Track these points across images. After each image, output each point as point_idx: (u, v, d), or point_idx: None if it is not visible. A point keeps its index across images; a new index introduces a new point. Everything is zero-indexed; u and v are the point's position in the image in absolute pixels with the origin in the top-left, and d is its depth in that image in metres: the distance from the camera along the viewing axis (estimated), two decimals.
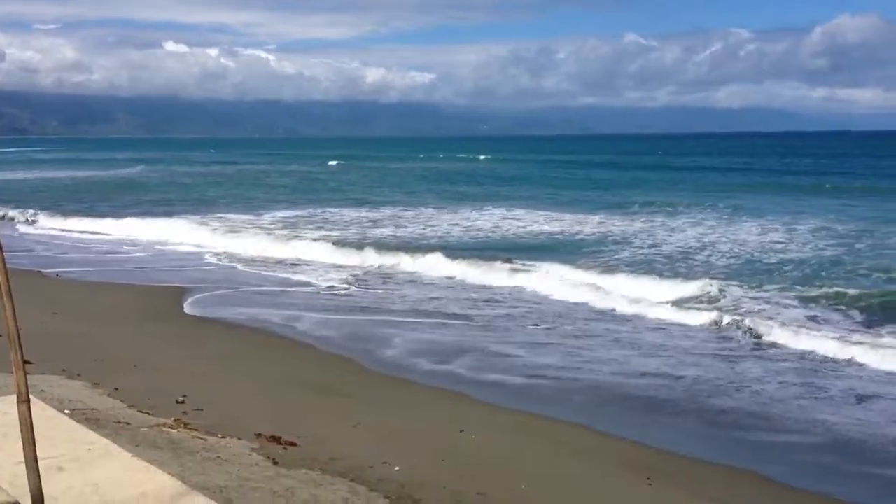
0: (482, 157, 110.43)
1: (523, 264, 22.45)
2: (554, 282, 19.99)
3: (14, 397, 3.90)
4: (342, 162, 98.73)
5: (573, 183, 60.46)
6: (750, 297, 17.91)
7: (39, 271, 20.97)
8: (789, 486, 8.86)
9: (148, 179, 67.53)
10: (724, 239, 28.09)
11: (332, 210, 39.95)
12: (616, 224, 33.38)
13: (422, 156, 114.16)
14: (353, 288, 20.02)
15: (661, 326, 16.11)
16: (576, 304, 18.14)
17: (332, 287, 19.98)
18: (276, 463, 8.20)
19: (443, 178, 67.92)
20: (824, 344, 13.98)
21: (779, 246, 26.13)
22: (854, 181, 57.44)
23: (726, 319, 15.83)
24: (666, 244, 27.36)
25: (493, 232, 31.56)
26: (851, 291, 17.98)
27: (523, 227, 33.12)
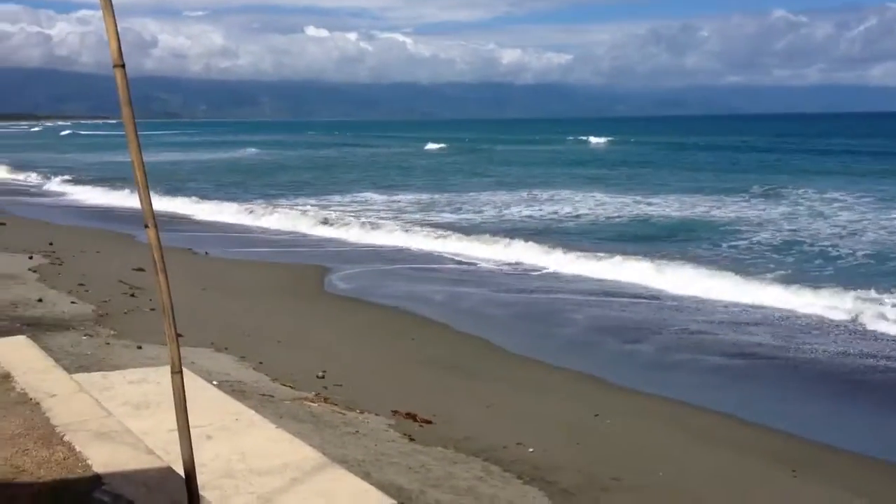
0: (605, 138, 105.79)
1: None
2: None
3: (167, 368, 4.08)
4: (474, 146, 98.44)
5: (711, 165, 58.26)
6: None
7: (190, 249, 21.94)
8: None
9: (296, 162, 69.60)
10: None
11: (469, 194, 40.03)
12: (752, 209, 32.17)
13: (535, 139, 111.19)
14: (494, 269, 20.06)
15: (788, 315, 15.42)
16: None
17: (474, 266, 20.08)
18: (412, 439, 8.34)
19: (574, 162, 66.77)
20: None
21: None
22: None
23: None
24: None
25: (626, 218, 30.91)
26: None
27: (661, 212, 32.19)
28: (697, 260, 20.37)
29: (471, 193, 39.37)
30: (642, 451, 8.84)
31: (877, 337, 13.76)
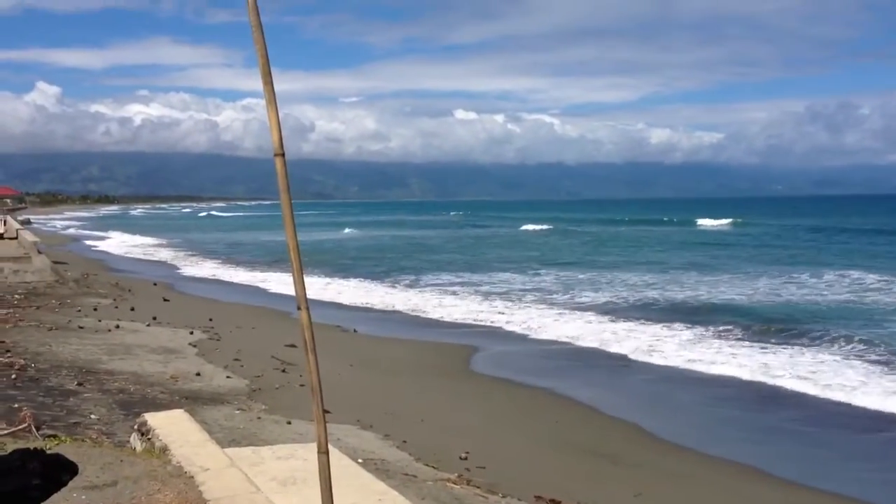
0: (725, 220, 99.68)
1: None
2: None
3: (314, 445, 4.16)
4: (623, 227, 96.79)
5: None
6: None
7: (338, 326, 22.49)
8: None
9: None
10: None
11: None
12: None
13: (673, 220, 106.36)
14: (630, 356, 19.55)
15: None
16: None
17: (608, 351, 19.61)
18: None
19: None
20: None
21: None
22: None
23: None
24: None
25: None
26: None
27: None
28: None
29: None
30: None
31: None
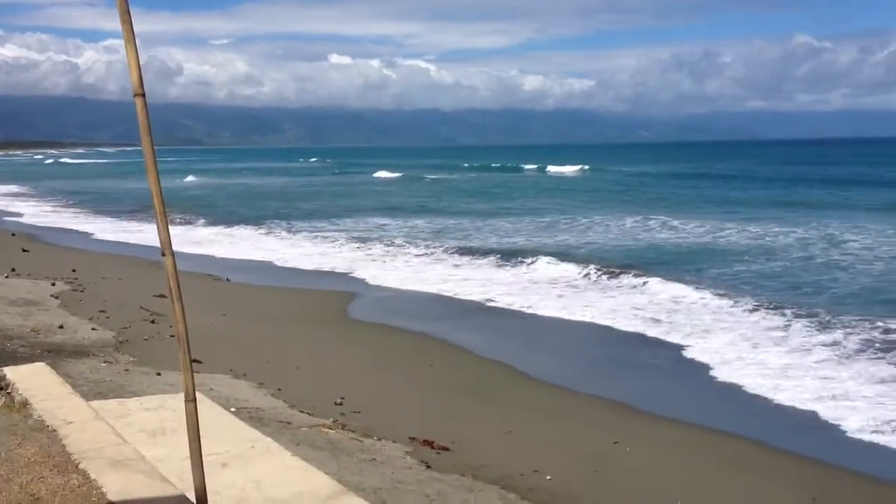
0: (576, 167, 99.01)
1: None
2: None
3: (183, 395, 4.10)
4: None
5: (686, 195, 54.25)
6: None
7: (210, 275, 22.06)
8: None
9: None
10: None
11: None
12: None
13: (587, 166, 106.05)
14: (508, 297, 19.96)
15: None
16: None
17: (488, 297, 19.96)
18: (429, 467, 8.31)
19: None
20: None
21: None
22: None
23: None
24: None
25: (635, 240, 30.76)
26: None
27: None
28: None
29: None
30: (662, 479, 8.74)
31: None
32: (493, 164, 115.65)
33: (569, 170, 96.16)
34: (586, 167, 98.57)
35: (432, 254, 27.28)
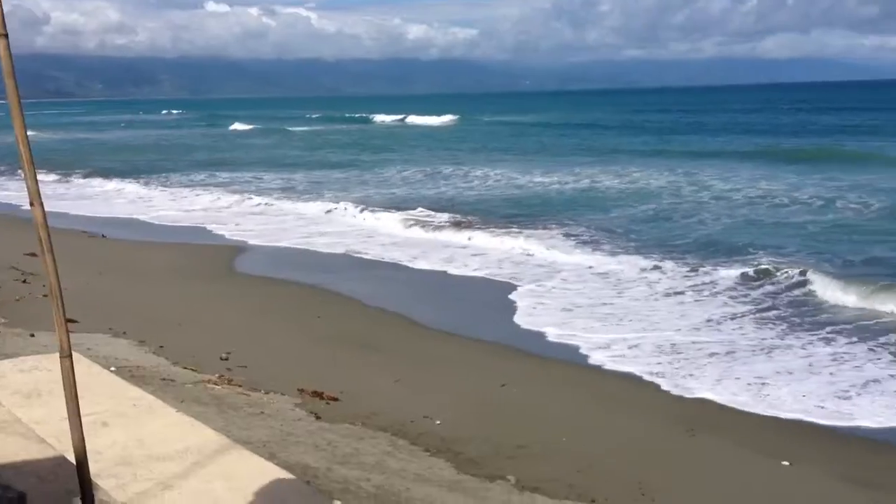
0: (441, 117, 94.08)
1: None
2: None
3: (58, 354, 3.95)
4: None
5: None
6: None
7: (84, 231, 21.27)
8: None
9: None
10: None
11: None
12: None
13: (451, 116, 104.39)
14: (391, 250, 19.99)
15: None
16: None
17: (369, 249, 19.92)
18: (318, 417, 8.31)
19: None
20: None
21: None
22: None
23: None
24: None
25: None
26: None
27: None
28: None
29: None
30: (548, 418, 8.99)
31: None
32: (350, 115, 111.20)
33: (445, 120, 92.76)
34: (465, 117, 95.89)
35: (318, 207, 27.00)
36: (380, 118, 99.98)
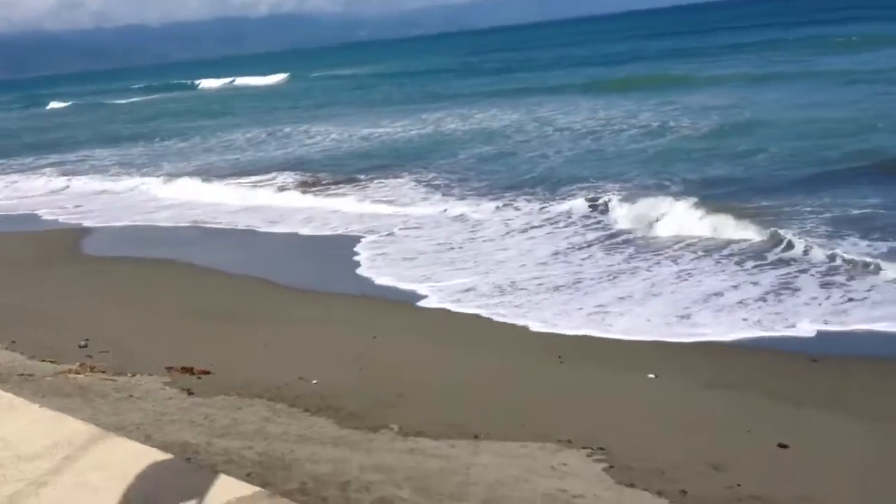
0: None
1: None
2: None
3: None
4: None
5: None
6: None
7: None
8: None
9: None
10: None
11: None
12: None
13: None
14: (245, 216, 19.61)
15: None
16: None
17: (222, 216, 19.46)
18: (191, 393, 8.12)
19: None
20: None
21: None
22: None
23: None
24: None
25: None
26: None
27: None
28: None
29: None
30: (421, 364, 9.11)
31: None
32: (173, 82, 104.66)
33: (277, 79, 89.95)
34: (297, 74, 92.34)
35: (158, 180, 26.02)
36: (207, 83, 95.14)
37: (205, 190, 22.91)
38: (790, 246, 12.21)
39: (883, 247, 11.70)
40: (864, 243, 11.96)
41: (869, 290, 10.24)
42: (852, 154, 18.19)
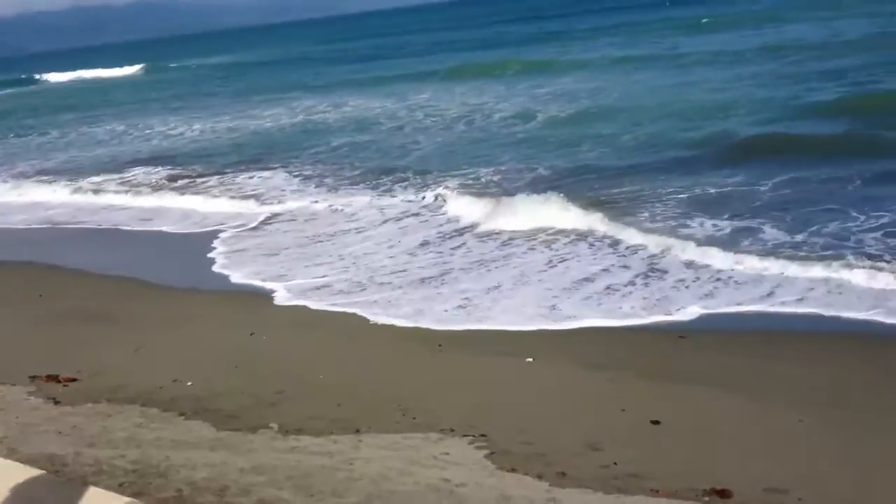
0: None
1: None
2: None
3: None
4: None
5: None
6: None
7: None
8: None
9: None
10: None
11: None
12: None
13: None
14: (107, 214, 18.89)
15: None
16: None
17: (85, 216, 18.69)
18: (57, 402, 7.79)
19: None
20: None
21: None
22: None
23: None
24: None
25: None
26: None
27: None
28: None
29: None
30: (301, 360, 8.99)
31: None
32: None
33: (133, 70, 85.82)
34: (157, 64, 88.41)
35: (13, 176, 24.79)
36: (56, 77, 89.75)
37: (62, 188, 21.80)
38: (652, 231, 12.51)
39: (739, 226, 12.25)
40: (724, 223, 12.49)
41: (729, 275, 10.64)
42: (713, 136, 18.91)
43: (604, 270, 11.26)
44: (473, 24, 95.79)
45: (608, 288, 10.62)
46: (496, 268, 11.94)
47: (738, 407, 7.22)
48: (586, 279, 11.03)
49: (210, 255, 14.19)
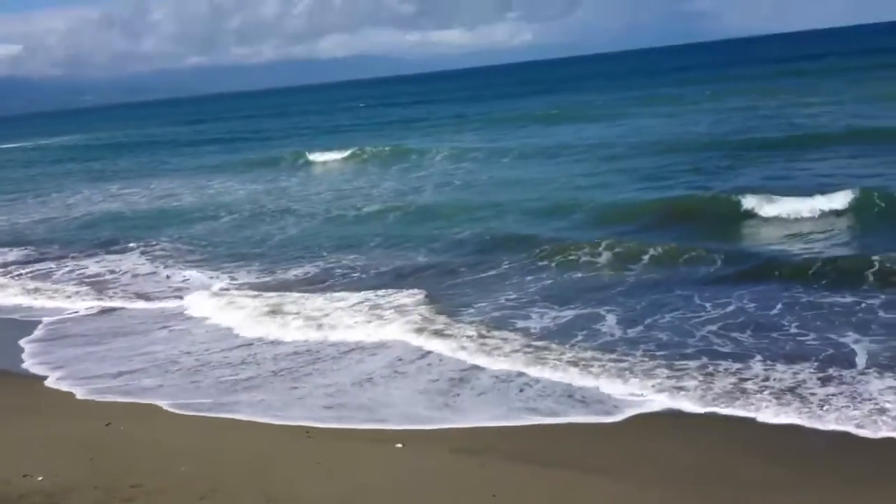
0: None
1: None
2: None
3: None
4: None
5: None
6: None
7: None
8: None
9: None
10: None
11: None
12: None
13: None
14: None
15: None
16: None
17: None
18: None
19: None
20: None
21: None
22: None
23: None
24: None
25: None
26: None
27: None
28: None
29: None
30: (161, 451, 8.63)
31: None
32: None
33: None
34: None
35: None
36: None
37: None
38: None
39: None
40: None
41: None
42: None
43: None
44: (344, 108, 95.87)
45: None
46: (356, 355, 11.91)
47: (608, 489, 7.37)
48: (465, 378, 11.10)
49: (72, 337, 13.61)
